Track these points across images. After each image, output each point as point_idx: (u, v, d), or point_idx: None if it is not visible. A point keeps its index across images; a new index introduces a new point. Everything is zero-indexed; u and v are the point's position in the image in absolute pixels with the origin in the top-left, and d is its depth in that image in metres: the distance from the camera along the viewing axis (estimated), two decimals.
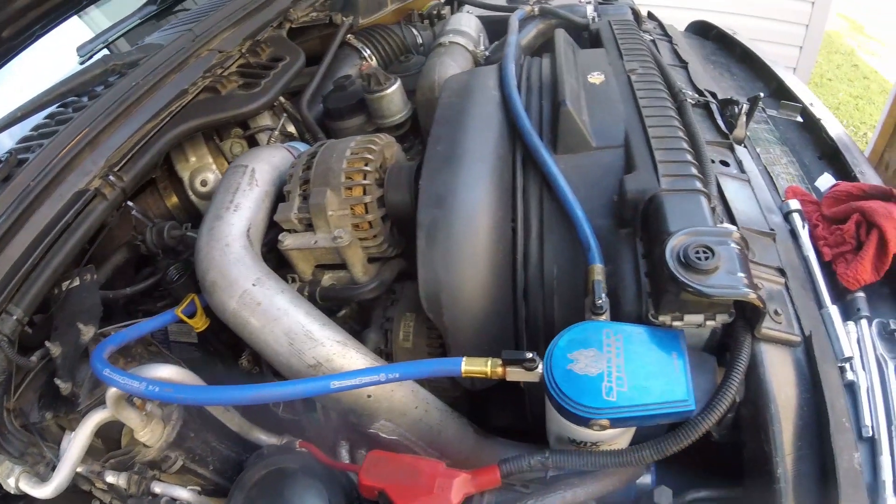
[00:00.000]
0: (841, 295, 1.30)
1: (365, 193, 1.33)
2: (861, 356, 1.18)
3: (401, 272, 1.46)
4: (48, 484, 1.18)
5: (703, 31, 2.74)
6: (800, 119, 1.92)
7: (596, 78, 1.51)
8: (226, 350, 1.63)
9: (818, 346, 1.08)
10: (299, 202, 1.35)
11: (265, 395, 1.04)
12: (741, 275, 0.95)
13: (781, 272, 1.18)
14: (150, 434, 1.22)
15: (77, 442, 1.18)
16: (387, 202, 1.38)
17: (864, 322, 1.23)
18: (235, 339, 1.37)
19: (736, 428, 1.06)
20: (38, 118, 1.81)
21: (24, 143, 1.76)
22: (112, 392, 1.12)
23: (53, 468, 1.19)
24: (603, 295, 1.05)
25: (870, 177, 1.69)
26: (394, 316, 1.40)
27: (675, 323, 1.00)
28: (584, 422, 0.93)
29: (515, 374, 1.01)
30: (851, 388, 1.11)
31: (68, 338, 1.29)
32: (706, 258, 0.94)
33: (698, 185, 1.14)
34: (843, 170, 1.75)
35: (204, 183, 1.78)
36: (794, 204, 1.46)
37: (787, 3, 5.23)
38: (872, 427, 1.06)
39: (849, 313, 1.26)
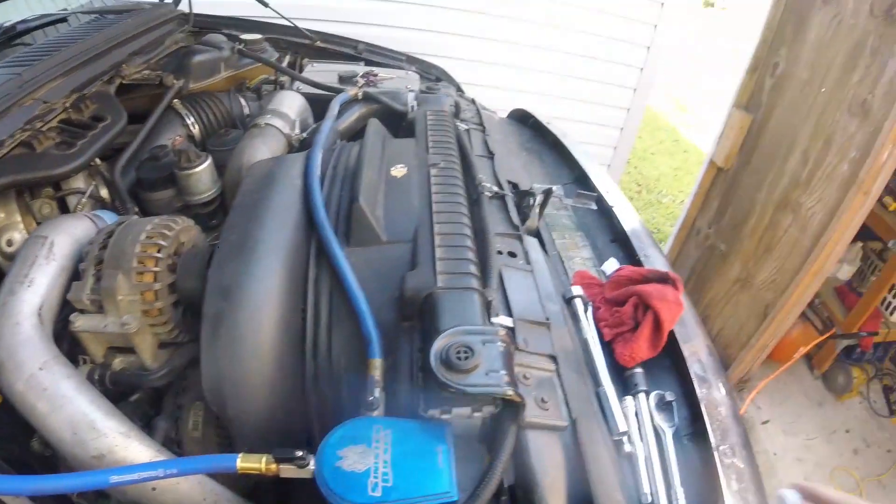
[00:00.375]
0: (620, 372, 1.43)
1: (155, 280, 1.34)
2: (639, 428, 1.29)
3: (193, 358, 1.46)
4: None
5: (523, 119, 2.94)
6: (594, 207, 2.06)
7: (398, 171, 1.60)
8: (20, 430, 1.56)
9: (586, 426, 1.16)
10: (92, 283, 1.35)
11: (43, 487, 1.02)
12: (502, 372, 1.02)
13: (553, 359, 1.26)
14: None
15: None
16: (178, 289, 1.39)
17: (641, 396, 1.36)
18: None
19: None
20: None
21: None
22: None
23: None
24: (376, 390, 1.11)
25: (655, 260, 1.85)
26: (183, 404, 1.41)
27: (444, 416, 1.06)
28: None
29: (288, 472, 1.04)
30: (630, 459, 1.21)
31: None
32: (466, 358, 1.01)
33: (473, 282, 1.23)
34: (629, 253, 1.91)
35: (10, 243, 1.70)
36: (577, 290, 1.59)
37: (611, 89, 5.63)
38: (651, 493, 1.17)
39: (628, 389, 1.38)
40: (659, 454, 1.25)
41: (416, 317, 1.23)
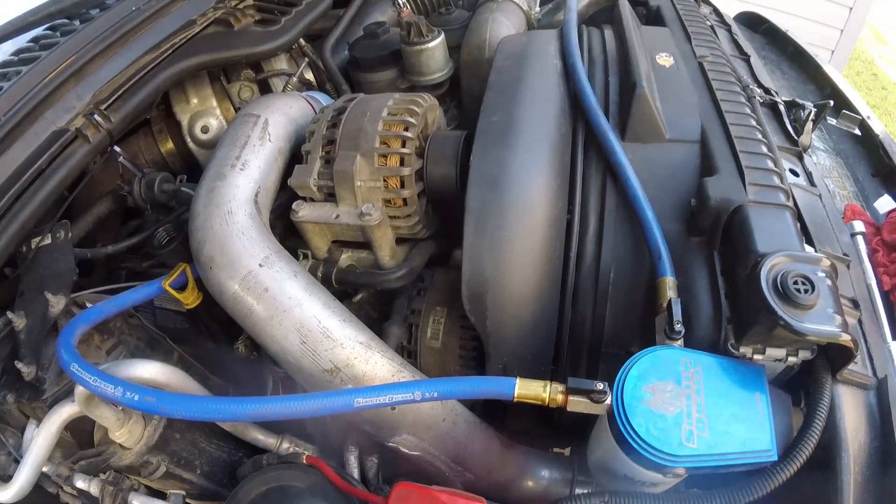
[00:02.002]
0: None
1: (402, 164, 1.12)
2: None
3: (431, 257, 1.27)
4: (8, 486, 1.00)
5: (753, 23, 2.56)
6: (857, 132, 1.77)
7: (665, 60, 1.32)
8: (218, 328, 1.43)
9: (890, 390, 0.96)
10: (320, 166, 1.16)
11: (273, 411, 0.86)
12: (835, 313, 0.82)
13: (856, 304, 1.04)
14: (127, 435, 1.02)
15: (41, 440, 0.99)
16: (427, 177, 1.18)
17: None
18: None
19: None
20: (21, 40, 1.56)
21: (2, 68, 1.55)
22: (81, 389, 0.92)
23: (15, 460, 1.02)
24: (681, 318, 0.90)
25: None
26: (421, 309, 1.20)
27: (757, 356, 0.86)
28: (657, 467, 0.79)
29: (578, 405, 0.85)
30: None
31: (34, 308, 1.09)
32: (806, 291, 0.80)
33: (784, 198, 0.99)
34: None
35: (205, 129, 1.58)
36: (859, 226, 1.36)
37: (824, 5, 5.11)
38: None
39: None
40: None
41: (713, 233, 1.00)
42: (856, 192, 1.67)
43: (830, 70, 2.11)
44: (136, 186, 1.39)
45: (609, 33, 1.46)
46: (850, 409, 0.92)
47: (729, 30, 1.89)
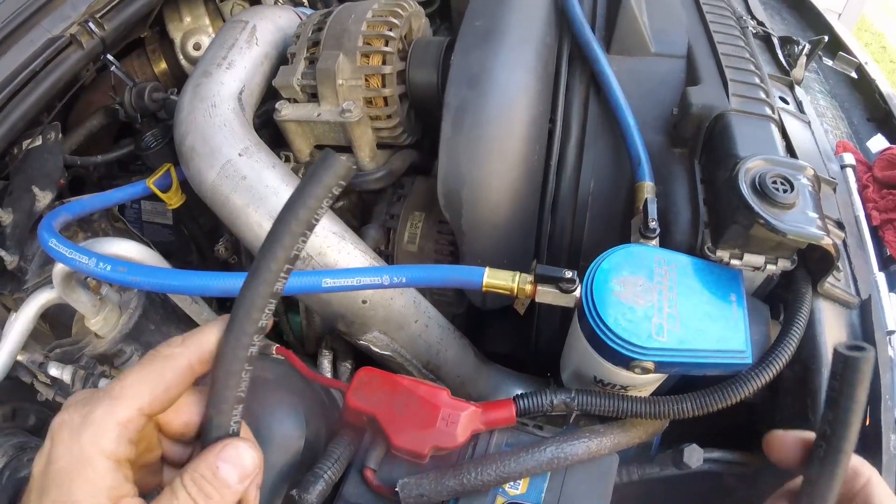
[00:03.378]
0: (885, 264, 1.22)
1: (384, 63, 1.12)
2: None
3: (412, 165, 1.27)
4: None
5: None
6: (854, 75, 1.76)
7: None
8: (202, 236, 1.46)
9: (875, 309, 0.95)
10: (305, 66, 1.15)
11: (239, 285, 0.86)
12: (815, 216, 0.80)
13: (840, 226, 1.02)
14: (102, 322, 1.03)
15: (18, 325, 1.00)
16: (409, 79, 1.17)
17: None
18: (215, 223, 1.19)
19: (770, 388, 0.89)
20: None
21: None
22: (60, 269, 0.92)
23: None
24: (656, 216, 0.90)
25: None
26: (399, 213, 1.21)
27: (734, 261, 0.86)
28: (625, 361, 0.78)
29: (547, 295, 0.84)
30: (891, 365, 0.97)
31: (22, 204, 1.12)
32: (785, 191, 0.79)
33: (768, 111, 0.98)
34: (894, 135, 1.64)
35: (197, 46, 1.58)
36: (850, 158, 1.36)
37: None
38: None
39: (892, 284, 1.17)
40: None
41: (695, 142, 0.99)
42: (849, 134, 1.67)
43: (830, 17, 2.10)
44: (126, 95, 1.39)
45: None
46: (832, 324, 0.92)
47: None
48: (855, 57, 1.86)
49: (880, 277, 1.12)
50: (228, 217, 1.01)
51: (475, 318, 1.28)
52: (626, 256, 0.84)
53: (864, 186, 1.39)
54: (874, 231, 1.29)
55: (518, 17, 1.11)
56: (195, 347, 0.59)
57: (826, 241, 0.79)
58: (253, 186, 0.98)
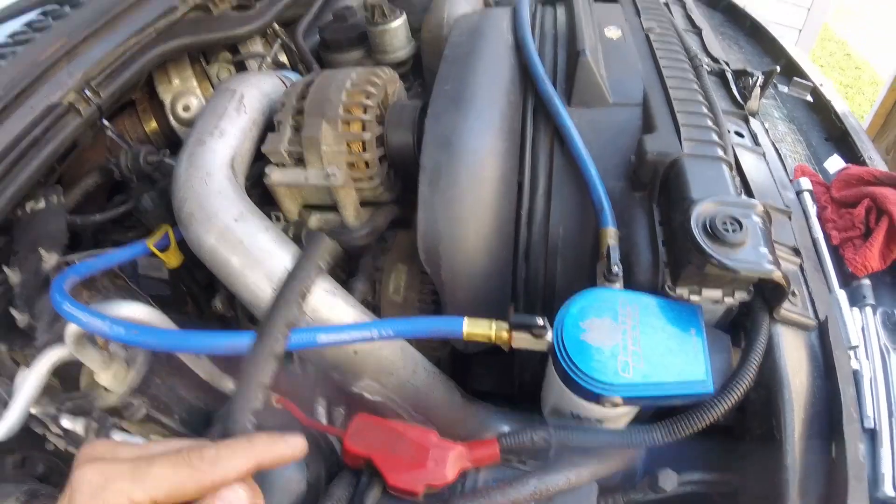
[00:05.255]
0: (847, 281, 1.27)
1: (364, 130, 1.20)
2: (865, 345, 1.14)
3: (394, 219, 1.35)
4: None
5: (712, 1, 2.66)
6: (809, 98, 1.85)
7: (613, 33, 1.42)
8: (199, 290, 1.53)
9: (831, 331, 1.02)
10: (290, 134, 1.23)
11: (245, 344, 0.94)
12: (765, 251, 0.89)
13: (797, 252, 1.12)
14: (111, 377, 1.09)
15: (31, 380, 1.06)
16: (387, 142, 1.26)
17: (868, 310, 1.20)
18: (210, 278, 1.26)
19: (741, 411, 1.01)
20: (16, 24, 1.65)
21: None
22: (72, 329, 0.99)
23: (5, 405, 1.08)
24: (619, 261, 0.98)
25: (878, 163, 1.67)
26: (384, 266, 1.30)
27: (693, 297, 0.94)
28: (595, 398, 0.86)
29: (522, 341, 0.93)
30: (856, 378, 1.06)
31: (28, 264, 1.18)
32: (734, 231, 0.87)
33: (720, 152, 1.07)
34: (851, 154, 1.72)
35: (186, 108, 1.66)
36: (806, 183, 1.42)
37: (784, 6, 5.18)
38: (874, 418, 1.03)
39: (854, 300, 1.23)
40: (884, 376, 1.10)
41: (652, 186, 1.08)
42: (808, 156, 1.75)
43: (786, 42, 2.19)
44: (122, 159, 1.47)
45: (561, 11, 1.53)
46: (791, 348, 0.98)
47: (683, 6, 1.98)
48: (810, 81, 1.95)
49: (841, 295, 1.19)
50: (227, 278, 1.10)
51: (459, 358, 1.36)
52: (592, 300, 0.92)
53: (823, 207, 1.43)
54: (835, 250, 1.34)
55: (483, 80, 1.21)
56: (221, 473, 0.66)
57: (776, 275, 0.87)
58: (249, 250, 1.07)
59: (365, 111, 1.21)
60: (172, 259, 1.31)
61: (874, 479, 0.97)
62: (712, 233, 0.87)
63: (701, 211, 0.90)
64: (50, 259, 1.17)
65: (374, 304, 1.30)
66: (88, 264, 1.18)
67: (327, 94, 1.22)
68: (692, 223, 0.89)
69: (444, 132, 1.12)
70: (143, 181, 1.50)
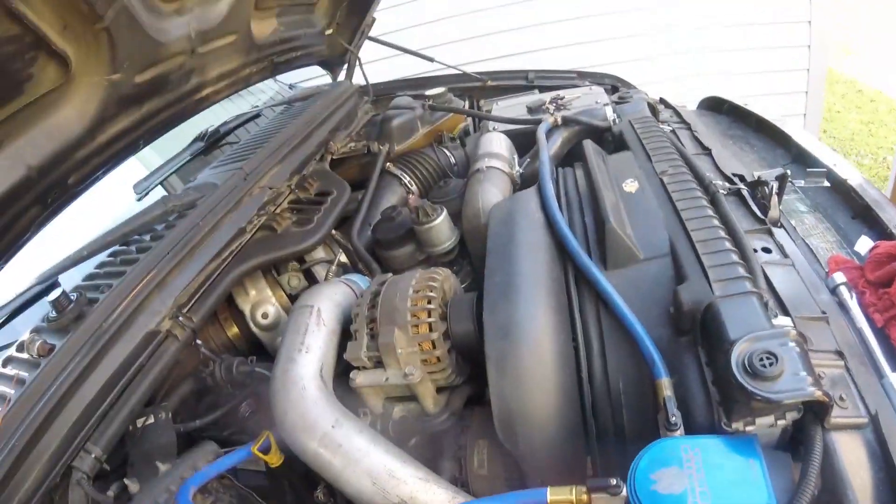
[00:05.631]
0: None
1: (431, 330, 1.38)
2: None
3: (469, 398, 1.50)
4: None
5: (716, 106, 2.80)
6: (827, 183, 1.93)
7: (630, 186, 1.58)
8: (298, 480, 1.64)
9: (885, 422, 1.09)
10: (367, 341, 1.41)
11: None
12: (804, 374, 0.99)
13: (840, 355, 1.20)
14: None
15: None
16: (452, 335, 1.43)
17: None
18: (307, 469, 1.38)
19: None
20: (101, 256, 1.90)
21: (90, 280, 1.86)
22: None
23: None
24: (676, 411, 1.09)
25: None
26: (466, 443, 1.42)
27: (748, 428, 1.03)
28: None
29: (601, 501, 1.03)
30: None
31: (146, 474, 1.36)
32: (770, 364, 0.98)
33: (748, 286, 1.18)
34: (879, 227, 1.75)
35: (265, 315, 1.85)
36: (840, 277, 1.46)
37: (784, 51, 5.36)
38: None
39: None
40: None
41: (694, 331, 1.19)
42: (839, 241, 1.80)
43: (792, 130, 2.28)
44: (217, 370, 1.65)
45: (580, 172, 1.71)
46: (847, 450, 1.04)
47: (689, 128, 2.13)
48: (822, 166, 2.03)
49: (894, 378, 1.19)
50: (331, 477, 1.26)
51: None
52: (658, 452, 1.03)
53: (862, 293, 1.45)
54: (880, 332, 1.35)
55: (526, 265, 1.38)
56: None
57: (818, 395, 0.97)
58: (349, 451, 1.24)
59: (429, 314, 1.39)
60: (274, 460, 1.43)
61: None
62: (752, 371, 0.98)
63: (739, 352, 1.01)
64: (164, 468, 1.35)
65: (461, 480, 1.41)
66: (203, 474, 1.34)
67: (394, 303, 1.41)
68: (733, 366, 0.99)
69: (501, 321, 1.28)
70: (236, 387, 1.67)
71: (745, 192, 1.65)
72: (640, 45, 5.15)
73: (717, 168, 1.81)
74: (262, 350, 1.88)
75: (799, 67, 5.44)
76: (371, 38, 2.99)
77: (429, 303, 1.40)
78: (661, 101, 2.63)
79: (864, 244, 1.69)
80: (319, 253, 1.93)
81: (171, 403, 1.62)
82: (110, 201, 2.46)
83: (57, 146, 1.60)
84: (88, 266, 1.94)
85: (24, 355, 1.63)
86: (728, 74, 5.34)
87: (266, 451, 1.42)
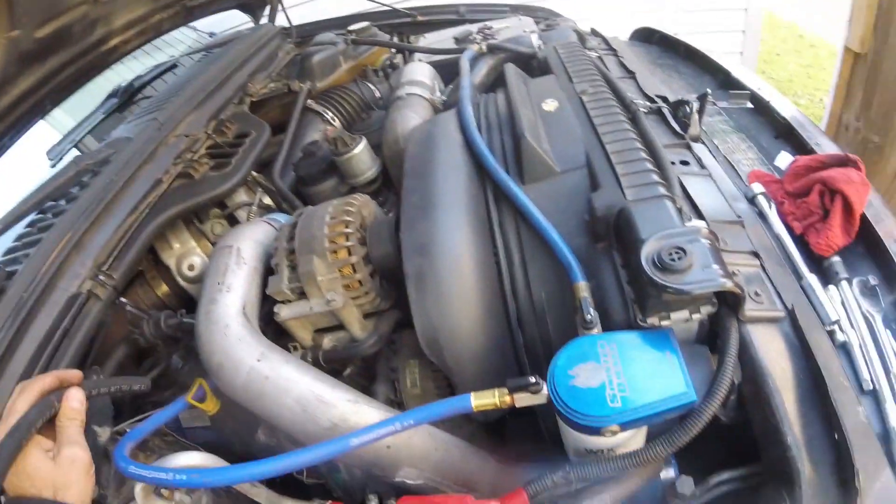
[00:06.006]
0: (818, 264, 1.35)
1: (350, 254, 1.36)
2: (848, 316, 1.22)
3: (397, 322, 1.49)
4: None
5: (647, 36, 2.83)
6: (750, 105, 1.97)
7: (550, 105, 1.57)
8: (240, 427, 1.63)
9: (803, 315, 1.13)
10: (288, 273, 1.39)
11: (289, 464, 1.08)
12: (715, 266, 1.01)
13: (755, 255, 1.24)
14: None
15: None
16: (372, 258, 1.41)
17: (844, 284, 1.28)
18: (248, 415, 1.38)
19: (741, 408, 1.10)
20: (19, 227, 1.87)
21: (9, 254, 1.83)
22: (140, 487, 1.15)
23: None
24: (591, 310, 1.10)
25: (826, 147, 1.74)
26: (398, 366, 1.43)
27: (664, 322, 1.06)
28: (595, 431, 0.97)
29: (523, 400, 1.05)
30: (845, 348, 1.15)
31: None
32: (679, 258, 1.00)
33: (661, 190, 1.20)
34: (799, 145, 1.80)
35: (191, 267, 1.82)
36: (758, 187, 1.51)
37: (720, 14, 5.49)
38: (872, 380, 1.10)
39: (829, 279, 1.31)
40: (872, 340, 1.18)
41: (609, 236, 1.20)
42: (761, 159, 1.84)
43: (719, 57, 2.32)
44: (145, 327, 1.61)
45: (501, 97, 1.70)
46: (764, 342, 1.09)
47: (615, 54, 2.14)
48: (746, 88, 2.07)
49: (812, 279, 1.26)
50: (262, 411, 1.25)
51: (494, 427, 1.46)
52: (574, 349, 1.05)
53: (781, 202, 1.51)
54: (801, 239, 1.41)
55: (444, 184, 1.37)
56: None
57: (727, 285, 0.99)
58: (276, 382, 1.23)
59: (347, 238, 1.38)
60: (211, 406, 1.43)
61: (886, 435, 1.02)
62: (661, 265, 0.99)
63: (649, 249, 1.03)
64: (104, 433, 1.32)
65: (398, 402, 1.43)
66: (139, 430, 1.31)
67: (312, 231, 1.39)
68: (643, 261, 1.01)
69: (418, 239, 1.28)
70: (168, 342, 1.66)
71: (665, 111, 1.67)
72: None
73: (640, 89, 1.83)
74: (193, 305, 1.82)
75: (737, 7, 5.53)
76: None
77: (346, 227, 1.38)
78: (592, 31, 2.63)
79: (784, 159, 1.75)
80: (241, 196, 1.90)
81: (107, 369, 1.59)
82: (24, 172, 2.41)
83: None
84: (6, 239, 1.90)
85: None
86: (665, 11, 5.36)
87: (201, 399, 1.41)
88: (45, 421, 1.11)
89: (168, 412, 1.39)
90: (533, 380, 1.03)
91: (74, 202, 1.71)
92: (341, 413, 1.20)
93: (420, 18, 3.18)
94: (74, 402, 1.15)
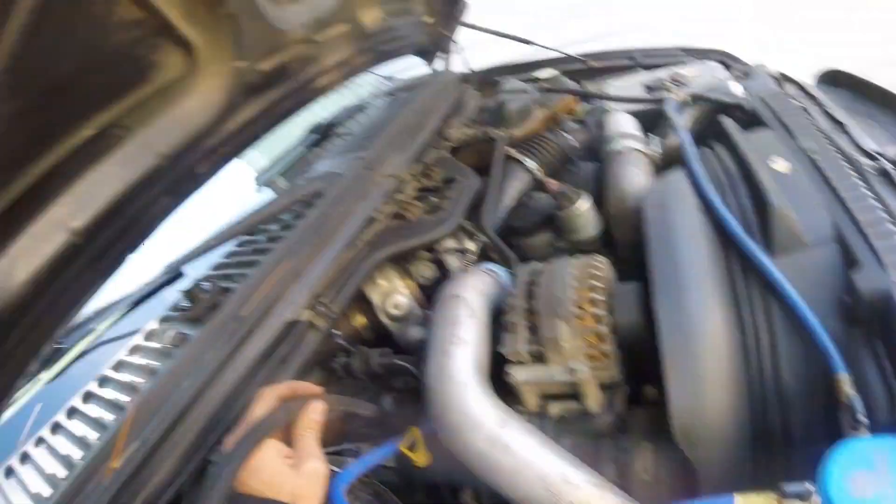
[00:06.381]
0: None
1: (598, 322, 1.33)
2: None
3: (628, 398, 1.43)
4: None
5: (835, 80, 2.65)
6: None
7: (781, 165, 1.51)
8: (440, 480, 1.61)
9: None
10: (527, 334, 1.37)
11: None
12: None
13: None
14: None
15: None
16: (618, 328, 1.37)
17: None
18: (457, 474, 1.37)
19: None
20: (225, 247, 1.99)
21: (219, 269, 1.92)
22: None
23: None
24: (864, 409, 1.04)
25: None
26: (628, 447, 1.35)
27: None
28: None
29: None
30: None
31: None
32: None
33: None
34: None
35: (397, 306, 1.85)
36: None
37: None
38: None
39: None
40: None
41: (871, 322, 1.14)
42: None
43: None
44: (354, 361, 1.64)
45: (721, 150, 1.65)
46: None
47: (817, 102, 2.05)
48: None
49: None
50: (496, 480, 1.23)
51: None
52: (848, 454, 0.98)
53: None
54: None
55: (690, 253, 1.33)
56: None
57: None
58: (518, 453, 1.21)
59: (594, 304, 1.35)
60: (421, 458, 1.41)
61: None
62: None
63: None
64: None
65: (621, 486, 1.31)
66: (350, 472, 1.34)
67: (555, 293, 1.37)
68: None
69: (675, 315, 1.25)
70: (372, 379, 1.67)
71: (889, 171, 1.58)
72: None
73: (855, 144, 1.73)
74: (387, 341, 1.86)
75: None
76: (467, 25, 2.95)
77: (594, 292, 1.36)
78: (782, 75, 2.54)
79: None
80: (449, 241, 1.90)
81: None
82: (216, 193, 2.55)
83: (186, 134, 1.67)
84: (214, 256, 2.01)
85: (154, 344, 1.71)
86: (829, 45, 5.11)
87: (412, 448, 1.41)
88: (281, 427, 1.15)
89: (378, 455, 1.41)
90: (811, 488, 0.97)
91: (290, 230, 1.79)
92: (586, 496, 1.16)
93: (593, 64, 3.14)
94: (316, 413, 1.19)
